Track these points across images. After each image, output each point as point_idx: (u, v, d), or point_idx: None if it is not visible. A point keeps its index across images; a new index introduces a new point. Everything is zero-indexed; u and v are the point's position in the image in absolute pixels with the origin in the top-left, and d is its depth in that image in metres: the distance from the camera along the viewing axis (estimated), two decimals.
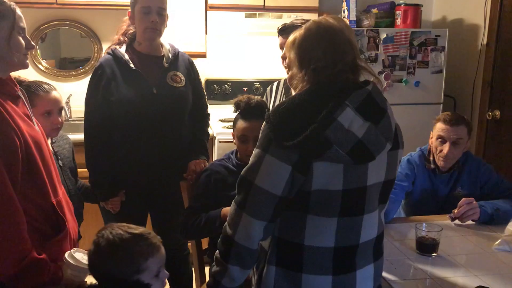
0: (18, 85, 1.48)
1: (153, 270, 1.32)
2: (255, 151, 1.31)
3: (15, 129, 1.34)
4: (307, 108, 1.26)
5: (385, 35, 3.29)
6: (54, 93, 2.00)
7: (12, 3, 1.42)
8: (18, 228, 1.33)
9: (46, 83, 2.02)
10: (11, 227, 1.31)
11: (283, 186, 1.26)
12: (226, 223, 1.37)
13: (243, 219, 1.30)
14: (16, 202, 1.32)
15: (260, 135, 1.31)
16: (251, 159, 1.31)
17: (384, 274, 1.58)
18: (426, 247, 1.81)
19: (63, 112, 2.06)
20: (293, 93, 1.38)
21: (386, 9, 3.49)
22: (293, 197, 1.28)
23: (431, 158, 2.31)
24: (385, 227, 1.46)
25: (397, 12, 3.43)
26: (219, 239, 1.39)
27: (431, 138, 2.31)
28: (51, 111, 1.97)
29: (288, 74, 1.42)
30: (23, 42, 1.42)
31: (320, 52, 1.29)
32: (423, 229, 1.83)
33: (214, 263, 1.41)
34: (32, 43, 1.47)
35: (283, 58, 2.19)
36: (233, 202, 1.35)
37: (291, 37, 1.37)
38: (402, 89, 3.38)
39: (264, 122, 1.30)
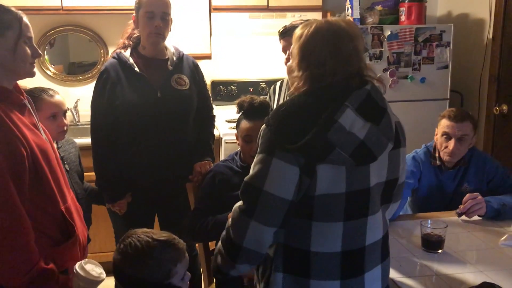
0: (24, 94, 1.49)
1: (181, 274, 1.34)
2: (258, 157, 1.27)
3: (21, 139, 1.35)
4: (307, 110, 1.24)
5: (390, 32, 3.28)
6: (58, 97, 2.04)
7: (19, 12, 1.42)
8: (25, 239, 1.34)
9: (49, 88, 2.06)
10: (18, 237, 1.32)
11: (294, 190, 1.23)
12: (229, 226, 1.33)
13: (253, 227, 1.26)
14: (22, 212, 1.33)
15: (260, 139, 1.29)
16: (256, 165, 1.27)
17: (390, 271, 1.58)
18: (432, 244, 1.81)
19: (68, 115, 2.11)
20: (291, 89, 1.36)
21: (390, 6, 3.48)
22: (297, 203, 1.26)
23: (437, 155, 2.30)
24: (391, 225, 1.46)
25: (401, 9, 3.42)
26: (222, 238, 1.37)
27: (436, 134, 2.31)
28: (56, 114, 2.00)
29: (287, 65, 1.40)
30: (29, 51, 1.43)
31: (322, 58, 1.27)
32: (428, 226, 1.83)
33: (217, 254, 1.38)
34: (39, 51, 1.48)
35: (288, 60, 2.20)
36: (236, 208, 1.31)
37: (299, 31, 1.32)
38: (408, 85, 3.37)
39: (264, 125, 1.28)
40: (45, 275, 1.37)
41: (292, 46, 1.36)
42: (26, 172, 1.36)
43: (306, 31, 1.31)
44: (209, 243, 2.20)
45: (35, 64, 1.49)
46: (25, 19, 1.43)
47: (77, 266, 1.45)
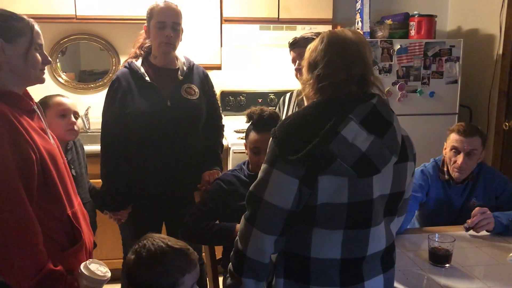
0: (33, 100, 1.52)
1: (188, 285, 1.34)
2: (263, 167, 1.32)
3: (30, 144, 1.37)
4: (311, 122, 1.27)
5: (399, 46, 3.29)
6: (69, 99, 2.09)
7: (31, 20, 1.46)
8: (34, 241, 1.35)
9: (59, 94, 2.11)
10: (27, 239, 1.34)
11: (292, 200, 1.27)
12: (238, 237, 1.38)
13: (254, 234, 1.30)
14: (31, 215, 1.35)
15: (267, 150, 1.33)
16: (259, 175, 1.32)
17: (396, 284, 1.57)
18: (439, 257, 1.80)
19: (80, 120, 2.13)
20: (305, 100, 1.40)
21: (400, 20, 3.50)
22: (299, 211, 1.29)
23: (445, 169, 2.30)
24: (398, 238, 1.46)
25: (411, 23, 3.44)
26: (232, 253, 1.40)
27: (445, 149, 2.31)
28: (66, 112, 2.04)
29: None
30: (39, 58, 1.46)
31: (326, 60, 1.31)
32: (436, 239, 1.83)
33: (228, 276, 1.41)
34: (49, 58, 1.51)
35: (297, 70, 2.22)
36: (243, 217, 1.36)
37: (308, 46, 1.40)
38: (417, 99, 3.37)
39: (271, 137, 1.31)
40: (54, 276, 1.38)
41: (303, 60, 1.41)
42: (35, 176, 1.38)
43: (315, 41, 1.38)
44: (216, 252, 2.20)
45: (45, 71, 1.52)
46: (36, 26, 1.47)
47: (82, 266, 1.46)
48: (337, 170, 1.23)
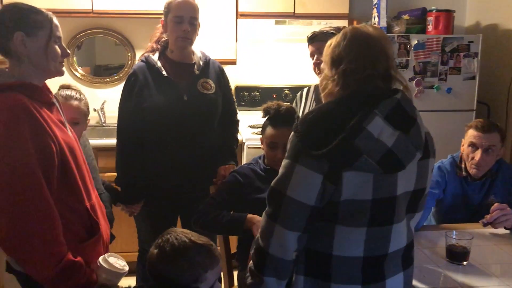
0: (52, 93, 1.54)
1: (210, 282, 1.34)
2: (284, 162, 1.29)
3: (51, 136, 1.39)
4: (335, 117, 1.25)
5: (416, 42, 3.26)
6: (74, 102, 1.94)
7: (50, 13, 1.47)
8: (54, 232, 1.37)
9: (73, 90, 1.99)
10: (48, 230, 1.35)
11: (315, 196, 1.24)
12: (258, 235, 1.35)
13: (276, 231, 1.28)
14: (52, 206, 1.37)
15: (288, 145, 1.30)
16: (281, 170, 1.30)
17: (413, 282, 1.56)
18: (456, 255, 1.79)
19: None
20: (322, 95, 1.38)
21: (418, 15, 3.46)
22: (322, 208, 1.27)
23: (463, 166, 2.27)
24: (414, 235, 1.45)
25: (429, 18, 3.39)
26: (253, 251, 1.37)
27: (463, 145, 2.28)
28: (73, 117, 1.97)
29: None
30: (59, 50, 1.48)
31: (352, 55, 1.29)
32: (453, 237, 1.81)
33: (248, 274, 1.38)
34: (68, 51, 1.53)
35: (316, 64, 2.20)
36: (264, 214, 1.33)
37: (328, 42, 1.38)
38: (434, 95, 3.34)
39: (292, 131, 1.29)
40: (73, 267, 1.40)
41: (323, 57, 1.39)
42: (55, 168, 1.39)
43: (334, 38, 1.36)
44: (230, 246, 2.21)
45: (63, 64, 1.53)
46: (55, 19, 1.49)
47: (100, 259, 1.47)
48: (363, 166, 1.21)
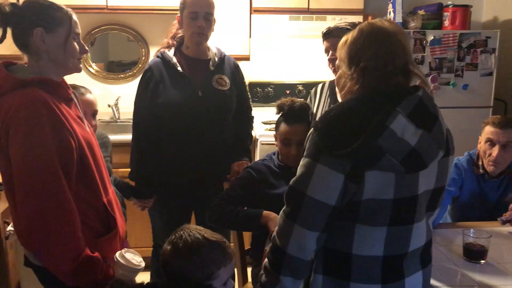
0: (70, 88, 1.54)
1: (223, 279, 1.34)
2: (303, 161, 1.27)
3: (70, 132, 1.39)
4: (357, 115, 1.22)
5: (432, 37, 3.22)
6: (88, 96, 2.00)
7: (69, 9, 1.48)
8: (73, 227, 1.37)
9: (83, 87, 2.03)
10: (66, 226, 1.36)
11: (337, 196, 1.22)
12: (275, 233, 1.33)
13: (296, 231, 1.26)
14: (71, 201, 1.37)
15: (307, 143, 1.28)
16: (300, 169, 1.27)
17: (430, 280, 1.54)
18: (474, 253, 1.76)
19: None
20: (338, 93, 1.35)
21: (434, 10, 3.41)
22: (342, 207, 1.25)
23: (480, 163, 2.24)
24: (432, 234, 1.43)
25: (445, 14, 3.35)
26: (269, 250, 1.35)
27: (480, 142, 2.25)
28: (85, 113, 1.94)
29: (336, 75, 1.39)
30: (77, 47, 1.49)
31: (371, 52, 1.26)
32: (471, 235, 1.78)
33: (262, 273, 1.37)
34: (86, 47, 1.53)
35: (330, 60, 2.17)
36: (281, 213, 1.31)
37: (343, 38, 1.35)
38: (450, 92, 3.30)
39: (312, 129, 1.26)
40: (91, 262, 1.40)
41: (338, 54, 1.36)
42: (74, 163, 1.40)
43: (350, 34, 1.33)
44: (244, 242, 2.21)
45: (81, 60, 1.54)
46: (74, 16, 1.49)
47: (117, 254, 1.48)
48: (385, 166, 1.19)
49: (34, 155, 1.32)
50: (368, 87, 1.27)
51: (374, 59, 1.26)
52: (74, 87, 1.96)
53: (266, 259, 1.37)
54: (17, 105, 1.33)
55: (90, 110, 2.00)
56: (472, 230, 1.82)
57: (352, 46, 1.30)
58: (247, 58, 3.43)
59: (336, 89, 1.36)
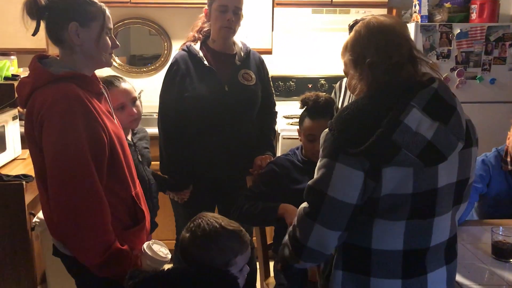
0: (101, 83, 1.55)
1: (240, 265, 1.36)
2: (322, 161, 1.27)
3: (102, 126, 1.41)
4: (371, 112, 1.22)
5: (459, 30, 3.16)
6: (123, 85, 1.96)
7: (103, 4, 1.49)
8: (103, 220, 1.39)
9: (116, 77, 2.00)
10: (97, 218, 1.38)
11: (358, 194, 1.22)
12: (295, 225, 1.34)
13: (317, 230, 1.26)
14: (102, 195, 1.39)
15: (322, 143, 1.28)
16: (319, 170, 1.27)
17: (458, 278, 1.53)
18: (503, 252, 1.73)
19: (138, 102, 2.01)
20: (354, 95, 1.35)
21: (460, 3, 3.35)
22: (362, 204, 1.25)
23: (508, 159, 2.20)
24: (457, 230, 1.41)
25: (473, 6, 3.28)
26: (289, 234, 1.37)
27: (508, 138, 2.20)
28: (124, 103, 1.94)
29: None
30: (109, 42, 1.49)
31: (373, 48, 1.26)
32: (500, 233, 1.75)
33: (284, 246, 1.39)
34: (117, 42, 1.53)
35: None
36: (301, 211, 1.32)
37: (343, 44, 1.35)
38: (476, 86, 3.23)
39: (327, 129, 1.27)
40: (120, 255, 1.42)
41: (343, 60, 1.37)
42: (106, 158, 1.42)
43: (348, 38, 1.35)
44: (267, 236, 2.21)
45: (112, 55, 1.55)
46: (107, 11, 1.50)
47: (145, 246, 1.49)
48: (402, 161, 1.19)
49: (68, 149, 1.34)
50: (379, 83, 1.26)
51: (377, 53, 1.26)
52: (107, 79, 1.95)
53: (287, 237, 1.38)
54: (51, 99, 1.35)
55: (129, 98, 1.96)
56: (501, 227, 1.78)
57: (353, 48, 1.31)
58: (269, 52, 3.41)
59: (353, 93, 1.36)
